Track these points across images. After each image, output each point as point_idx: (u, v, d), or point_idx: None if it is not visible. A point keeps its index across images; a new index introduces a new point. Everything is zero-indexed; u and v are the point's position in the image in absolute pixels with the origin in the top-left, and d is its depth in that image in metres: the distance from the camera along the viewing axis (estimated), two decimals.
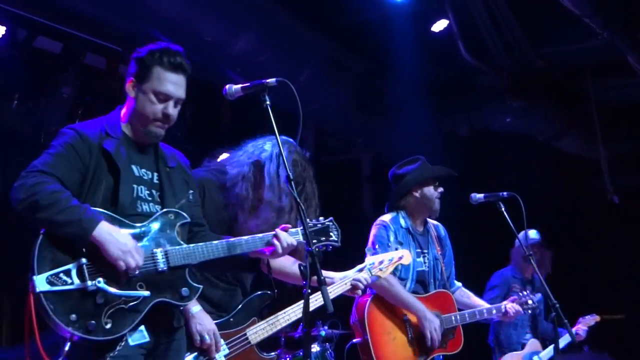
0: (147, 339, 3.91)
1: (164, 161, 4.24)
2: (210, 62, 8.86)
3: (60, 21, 8.02)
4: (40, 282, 3.60)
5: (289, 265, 5.10)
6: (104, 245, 3.72)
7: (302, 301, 4.86)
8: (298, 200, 3.75)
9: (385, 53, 10.22)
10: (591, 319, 8.30)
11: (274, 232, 4.24)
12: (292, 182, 3.81)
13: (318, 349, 8.27)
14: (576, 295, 8.61)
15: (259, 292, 4.99)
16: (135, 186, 4.03)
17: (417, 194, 6.28)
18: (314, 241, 4.36)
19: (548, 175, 12.57)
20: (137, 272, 3.80)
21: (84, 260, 3.71)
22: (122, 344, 3.80)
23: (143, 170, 4.12)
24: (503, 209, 5.88)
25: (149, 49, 4.14)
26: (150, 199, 4.08)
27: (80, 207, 3.74)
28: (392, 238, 6.10)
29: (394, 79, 10.95)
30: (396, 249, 6.00)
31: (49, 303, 3.60)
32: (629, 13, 9.53)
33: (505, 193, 5.93)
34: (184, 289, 3.97)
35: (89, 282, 3.69)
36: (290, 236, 4.28)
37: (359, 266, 5.31)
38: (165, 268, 3.92)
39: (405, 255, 5.51)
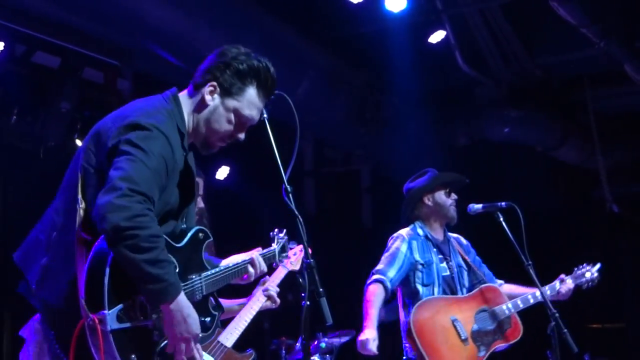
0: None
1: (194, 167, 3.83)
2: None
3: (58, 36, 8.04)
4: (112, 319, 3.21)
5: None
6: (174, 322, 3.32)
7: (256, 295, 5.16)
8: (296, 213, 3.69)
9: (383, 65, 10.25)
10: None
11: (249, 259, 4.07)
12: (290, 195, 3.77)
13: None
14: (576, 304, 8.59)
15: (216, 305, 5.04)
16: (189, 205, 3.72)
17: (428, 202, 6.28)
18: (279, 257, 4.40)
19: (547, 185, 12.58)
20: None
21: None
22: None
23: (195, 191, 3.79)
24: (501, 219, 5.88)
25: (247, 59, 3.73)
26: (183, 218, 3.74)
27: (171, 265, 3.32)
28: (404, 248, 6.09)
29: (392, 90, 10.98)
30: (414, 262, 6.05)
31: (115, 341, 3.21)
32: (625, 23, 9.57)
33: (503, 203, 5.92)
34: (207, 318, 3.68)
35: (154, 316, 3.33)
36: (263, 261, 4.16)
37: (263, 279, 5.29)
38: (200, 298, 3.61)
39: (302, 249, 5.57)
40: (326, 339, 8.31)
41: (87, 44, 8.26)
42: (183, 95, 3.74)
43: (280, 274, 5.37)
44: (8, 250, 3.72)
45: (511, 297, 6.18)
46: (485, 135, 11.68)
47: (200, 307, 3.60)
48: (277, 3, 8.96)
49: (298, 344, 8.12)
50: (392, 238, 6.23)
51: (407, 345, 5.99)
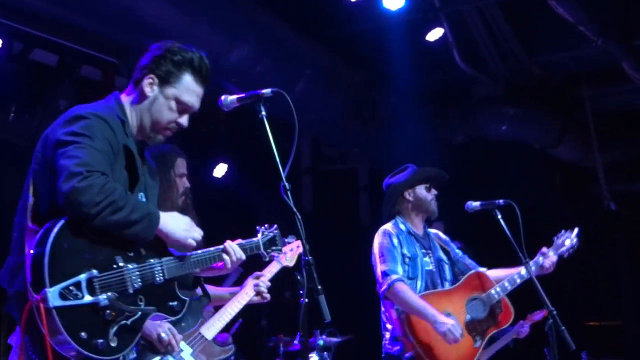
0: (135, 355, 3.84)
1: (147, 162, 4.02)
2: None
3: (56, 34, 8.04)
4: (54, 296, 3.30)
5: None
6: (172, 234, 3.64)
7: (246, 289, 5.20)
8: (294, 210, 3.70)
9: (380, 63, 10.25)
10: (538, 314, 8.13)
11: (222, 246, 4.08)
12: (288, 192, 3.77)
13: (317, 358, 8.28)
14: (574, 302, 8.62)
15: (197, 297, 5.02)
16: (139, 191, 3.83)
17: (409, 197, 6.27)
18: (268, 250, 4.31)
19: (544, 183, 12.59)
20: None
21: (94, 271, 3.43)
22: None
23: (140, 171, 3.88)
24: (499, 216, 5.88)
25: (180, 50, 3.90)
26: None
27: (144, 203, 3.68)
28: (395, 242, 6.07)
29: (390, 88, 10.98)
30: (402, 255, 6.02)
31: (61, 318, 3.31)
32: (623, 20, 9.58)
33: (501, 201, 5.93)
34: (175, 302, 3.79)
35: (101, 297, 3.42)
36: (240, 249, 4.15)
37: (256, 273, 5.37)
38: (161, 281, 3.69)
39: (300, 246, 5.53)
40: (324, 336, 8.32)
41: (84, 42, 8.26)
42: (124, 96, 3.91)
43: (273, 268, 5.42)
44: (5, 248, 3.73)
45: (497, 280, 6.16)
46: (483, 133, 11.68)
47: (165, 291, 3.74)
48: (275, 1, 8.96)
49: (296, 341, 8.13)
50: (379, 235, 6.17)
51: (396, 345, 5.98)
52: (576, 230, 6.48)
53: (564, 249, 6.34)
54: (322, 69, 9.76)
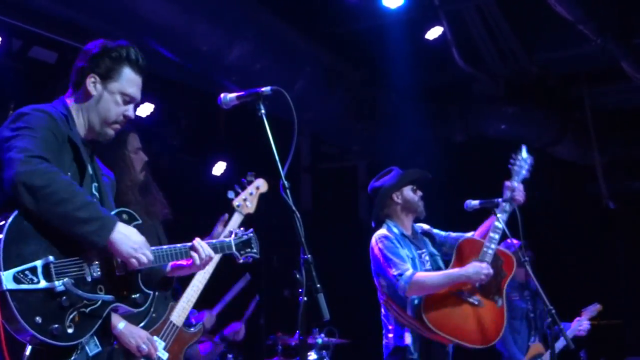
0: (100, 348, 3.77)
1: (97, 165, 4.04)
2: (206, 71, 8.88)
3: (55, 31, 8.04)
4: (7, 279, 3.31)
5: None
6: (118, 245, 3.57)
7: (207, 268, 5.03)
8: (294, 209, 3.69)
9: (380, 61, 10.24)
10: (594, 309, 8.13)
11: (190, 243, 4.07)
12: (287, 191, 3.76)
13: (315, 356, 8.28)
14: (572, 301, 8.61)
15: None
16: (90, 181, 3.84)
17: (398, 199, 6.27)
18: (242, 252, 4.29)
19: (543, 181, 12.58)
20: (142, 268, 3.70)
21: (51, 258, 3.44)
22: (79, 352, 3.64)
23: (89, 167, 3.88)
24: (499, 215, 5.89)
25: (115, 46, 3.95)
26: (96, 199, 3.85)
27: (97, 204, 3.62)
28: (396, 243, 6.09)
29: (389, 86, 10.97)
30: (407, 255, 6.03)
31: (15, 302, 3.31)
32: (622, 19, 9.57)
33: (500, 199, 5.94)
34: (137, 294, 3.81)
35: (57, 283, 3.43)
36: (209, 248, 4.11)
37: (222, 217, 5.32)
38: (123, 272, 3.72)
39: (261, 184, 5.47)
40: (322, 335, 8.33)
41: (84, 39, 8.23)
42: (67, 99, 3.96)
43: (234, 222, 5.30)
44: None
45: (484, 237, 6.14)
46: (482, 131, 11.68)
47: (128, 283, 3.77)
48: None
49: (294, 340, 8.13)
50: (379, 240, 6.11)
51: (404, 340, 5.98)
52: (523, 147, 6.48)
53: (524, 172, 6.37)
54: (322, 67, 9.76)
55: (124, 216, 3.86)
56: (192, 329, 5.25)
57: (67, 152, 3.71)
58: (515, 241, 6.24)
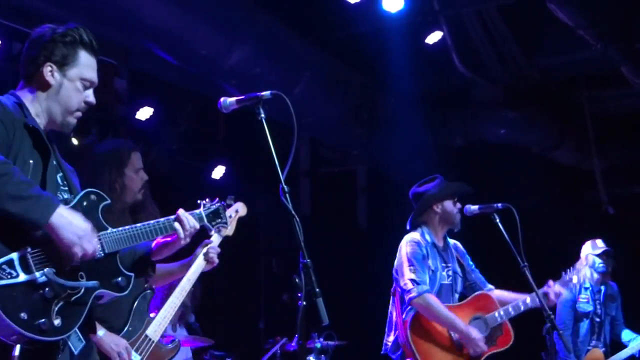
0: (84, 342, 3.59)
1: (55, 149, 3.77)
2: (206, 75, 8.89)
3: None
4: None
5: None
6: (59, 229, 3.28)
7: (182, 285, 5.06)
8: (293, 213, 3.66)
9: (379, 65, 10.25)
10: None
11: (174, 215, 3.92)
12: (287, 195, 3.75)
13: None
14: None
15: (141, 294, 4.96)
16: (55, 172, 3.64)
17: (438, 209, 6.33)
18: (212, 223, 4.19)
19: (543, 186, 12.59)
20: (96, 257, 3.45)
21: (27, 248, 3.25)
22: (62, 349, 3.45)
23: (52, 158, 3.66)
24: (498, 220, 5.88)
25: (66, 30, 3.69)
26: (65, 188, 3.68)
27: (35, 185, 3.32)
28: (425, 252, 6.15)
29: (389, 91, 10.98)
30: (429, 267, 6.11)
31: None
32: (623, 25, 9.59)
33: (499, 204, 5.93)
34: (119, 278, 3.60)
35: (37, 274, 3.24)
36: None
37: (205, 241, 5.14)
38: (101, 255, 3.51)
39: (240, 207, 5.38)
40: (321, 339, 8.33)
41: None
42: (17, 92, 3.72)
43: (214, 242, 5.20)
44: None
45: (502, 302, 6.23)
46: (482, 136, 11.69)
47: (108, 266, 3.58)
48: (274, 3, 8.96)
49: (294, 344, 8.13)
50: (410, 243, 6.21)
51: (398, 350, 6.04)
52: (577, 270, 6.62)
53: (570, 284, 6.49)
54: (322, 71, 9.77)
55: (92, 197, 3.65)
56: (169, 345, 5.23)
57: (26, 139, 3.48)
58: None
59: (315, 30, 9.75)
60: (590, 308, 8.34)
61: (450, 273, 6.29)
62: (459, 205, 6.37)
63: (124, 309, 4.89)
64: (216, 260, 5.12)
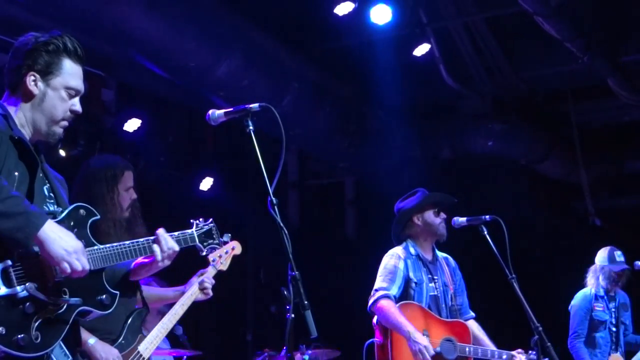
0: (70, 357, 3.49)
1: (43, 161, 3.69)
2: (194, 87, 8.88)
3: None
4: None
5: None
6: (49, 244, 3.20)
7: (175, 309, 5.19)
8: (281, 225, 3.65)
9: (367, 77, 10.26)
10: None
11: (153, 237, 3.81)
12: (275, 207, 3.75)
13: None
14: (559, 318, 8.62)
15: (136, 311, 4.99)
16: (42, 183, 3.55)
17: (418, 221, 6.33)
18: (204, 243, 4.07)
19: (530, 198, 12.62)
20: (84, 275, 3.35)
21: (9, 262, 3.19)
22: None
23: (39, 167, 3.58)
24: (485, 232, 5.89)
25: (50, 38, 3.63)
26: (52, 201, 3.59)
27: (23, 199, 3.24)
28: (401, 265, 6.13)
29: (377, 103, 11.00)
30: (408, 279, 6.12)
31: None
32: (609, 38, 9.64)
33: (487, 217, 5.94)
34: (103, 296, 3.53)
35: (18, 288, 3.17)
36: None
37: (200, 271, 5.38)
38: (61, 278, 3.38)
39: (236, 246, 5.58)
40: (309, 352, 8.31)
41: None
42: (3, 103, 3.65)
43: (209, 273, 5.40)
44: None
45: (474, 337, 6.26)
46: (469, 148, 11.71)
47: (92, 283, 3.51)
48: (262, 15, 8.98)
49: (282, 356, 8.11)
50: (388, 256, 6.24)
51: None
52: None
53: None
54: (310, 83, 9.78)
55: (81, 212, 3.58)
56: None
57: (11, 151, 3.40)
58: None
59: (304, 42, 9.77)
60: (607, 317, 8.33)
61: (438, 285, 6.29)
62: (443, 215, 6.36)
63: (119, 322, 4.91)
64: (210, 293, 5.27)
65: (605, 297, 8.40)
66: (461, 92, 10.84)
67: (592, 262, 8.76)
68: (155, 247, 3.76)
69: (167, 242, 3.80)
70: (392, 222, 6.47)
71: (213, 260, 5.42)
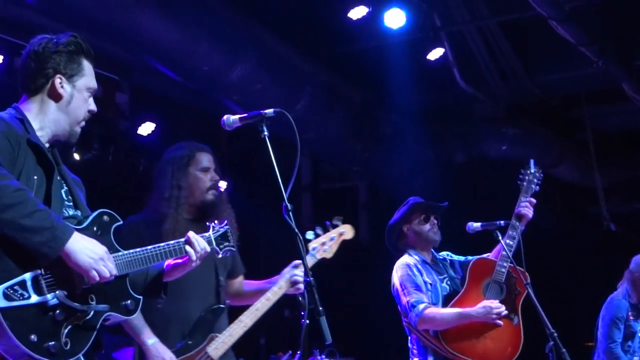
0: None
1: (63, 168, 3.76)
2: (207, 91, 8.89)
3: None
4: None
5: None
6: (75, 255, 3.28)
7: (256, 305, 4.95)
8: (296, 231, 3.64)
9: (381, 81, 10.26)
10: None
11: (184, 238, 3.91)
12: (290, 213, 3.71)
13: None
14: (573, 324, 8.59)
15: (212, 308, 4.90)
16: (59, 186, 3.61)
17: (408, 232, 6.29)
18: (220, 246, 4.15)
19: (544, 203, 12.55)
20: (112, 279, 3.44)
21: (39, 270, 3.24)
22: None
23: (57, 172, 3.63)
24: (500, 237, 5.86)
25: (67, 40, 3.72)
26: (70, 204, 3.64)
27: (50, 212, 3.29)
28: (415, 271, 6.10)
29: (390, 107, 10.99)
30: (424, 282, 6.04)
31: (7, 321, 3.10)
32: (623, 42, 9.61)
33: (502, 222, 5.91)
34: (128, 301, 3.60)
35: (49, 296, 3.24)
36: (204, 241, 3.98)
37: (294, 262, 5.14)
38: (112, 278, 3.48)
39: (347, 230, 5.43)
40: (323, 356, 8.30)
41: None
42: (20, 106, 3.70)
43: (309, 261, 5.12)
44: None
45: (494, 252, 6.19)
46: (483, 152, 11.68)
47: (117, 289, 3.57)
48: (276, 19, 8.98)
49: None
50: (399, 269, 6.15)
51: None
52: (532, 161, 6.50)
53: (533, 186, 6.37)
54: (323, 87, 9.77)
55: (105, 217, 3.64)
56: None
57: (29, 155, 3.45)
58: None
59: (317, 46, 9.76)
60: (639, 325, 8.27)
61: (448, 282, 6.24)
62: (433, 221, 6.28)
63: (189, 321, 4.84)
64: (301, 287, 5.00)
65: (634, 306, 8.30)
66: (475, 96, 10.81)
67: (607, 268, 8.71)
68: (189, 248, 3.87)
69: (199, 243, 3.92)
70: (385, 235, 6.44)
71: (313, 249, 5.24)
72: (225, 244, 4.19)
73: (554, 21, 8.47)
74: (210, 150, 5.25)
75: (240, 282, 5.36)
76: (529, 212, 6.17)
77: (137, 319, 4.65)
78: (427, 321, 5.86)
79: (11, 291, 3.16)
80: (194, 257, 3.89)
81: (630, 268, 8.35)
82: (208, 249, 3.97)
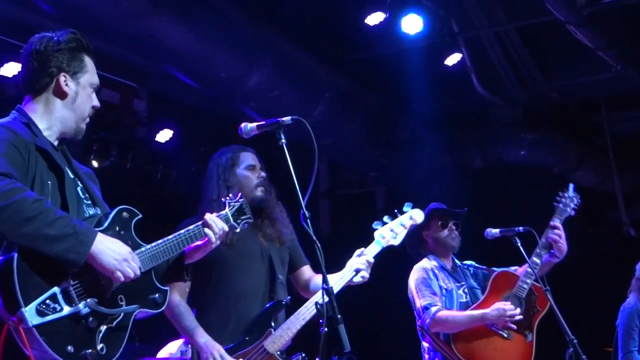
0: None
1: (74, 164, 3.78)
2: (225, 98, 8.90)
3: None
4: (31, 314, 3.11)
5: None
6: (99, 257, 3.32)
7: (312, 300, 4.89)
8: (314, 238, 3.61)
9: (398, 87, 10.24)
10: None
11: (202, 221, 4.00)
12: (308, 220, 3.70)
13: None
14: (593, 329, 8.54)
15: (271, 303, 4.88)
16: (75, 188, 3.61)
17: (427, 238, 6.31)
18: (238, 221, 4.22)
19: None
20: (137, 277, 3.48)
21: (68, 280, 3.28)
22: None
23: (68, 170, 3.64)
24: (519, 244, 5.83)
25: (68, 37, 3.71)
26: (88, 201, 3.66)
27: (70, 218, 3.32)
28: (431, 275, 6.10)
29: (408, 112, 10.97)
30: (440, 287, 6.05)
31: (43, 336, 3.13)
32: None
33: (521, 228, 5.89)
34: (156, 294, 3.65)
35: (80, 305, 3.28)
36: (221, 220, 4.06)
37: (358, 251, 5.15)
38: (139, 275, 3.52)
39: (415, 214, 5.36)
40: None
41: (104, 66, 8.25)
42: (27, 108, 3.67)
43: (372, 250, 5.15)
44: None
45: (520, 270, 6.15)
46: (501, 157, 11.64)
47: (143, 284, 3.61)
48: (293, 26, 8.98)
49: None
50: (415, 271, 6.18)
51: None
52: (571, 185, 6.47)
53: (569, 210, 6.35)
54: (341, 93, 9.77)
55: (125, 214, 3.66)
56: (294, 357, 4.88)
57: (40, 160, 3.46)
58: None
59: (335, 52, 9.75)
60: None
61: (465, 290, 6.23)
62: (451, 226, 6.29)
63: (247, 319, 4.83)
64: (367, 275, 5.03)
65: None
66: (493, 101, 10.78)
67: (627, 273, 8.66)
68: (208, 230, 3.97)
69: (217, 224, 4.02)
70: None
71: (381, 236, 5.22)
72: (242, 218, 4.27)
73: (572, 26, 8.44)
74: (254, 150, 5.29)
75: (308, 274, 5.29)
76: (560, 243, 6.14)
77: (189, 320, 4.72)
78: (440, 323, 5.86)
79: (44, 306, 3.19)
80: (213, 239, 4.00)
81: (637, 275, 8.30)
82: (226, 228, 4.07)
